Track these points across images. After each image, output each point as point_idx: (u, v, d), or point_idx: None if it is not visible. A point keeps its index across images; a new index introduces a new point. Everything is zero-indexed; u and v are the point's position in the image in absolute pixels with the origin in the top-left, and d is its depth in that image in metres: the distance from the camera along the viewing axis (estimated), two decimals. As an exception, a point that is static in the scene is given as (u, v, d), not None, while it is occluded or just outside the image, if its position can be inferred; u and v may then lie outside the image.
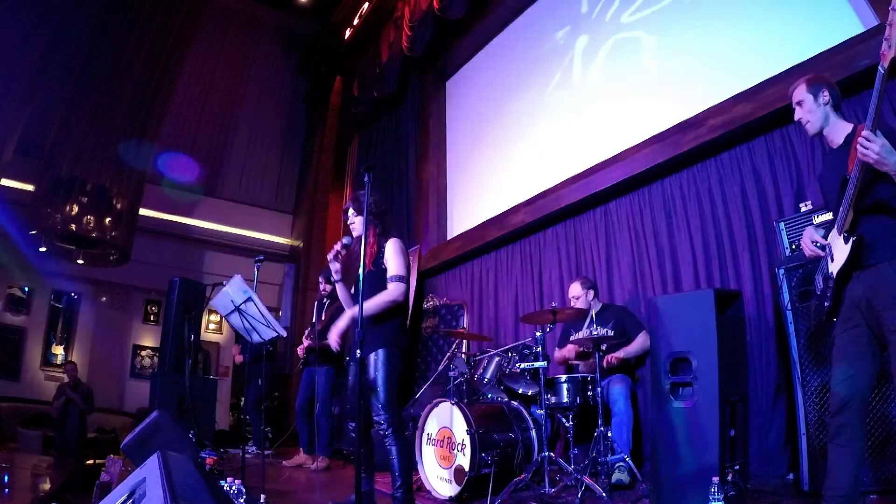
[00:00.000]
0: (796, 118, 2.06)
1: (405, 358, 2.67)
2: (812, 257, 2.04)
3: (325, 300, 4.82)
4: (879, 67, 1.66)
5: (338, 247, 2.65)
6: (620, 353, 3.39)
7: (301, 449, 4.82)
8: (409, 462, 2.49)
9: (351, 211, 2.76)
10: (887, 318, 1.75)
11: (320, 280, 4.89)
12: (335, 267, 2.67)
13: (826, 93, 1.99)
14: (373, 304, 2.51)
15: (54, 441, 6.23)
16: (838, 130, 1.99)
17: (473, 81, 6.66)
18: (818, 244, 1.98)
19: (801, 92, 2.03)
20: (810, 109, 2.00)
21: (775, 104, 3.20)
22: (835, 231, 1.90)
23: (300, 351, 4.88)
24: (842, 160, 1.90)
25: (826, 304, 1.94)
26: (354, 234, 2.73)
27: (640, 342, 3.43)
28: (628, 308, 3.74)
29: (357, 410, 2.35)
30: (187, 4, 7.86)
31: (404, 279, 2.58)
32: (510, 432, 3.17)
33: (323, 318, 4.79)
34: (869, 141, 1.67)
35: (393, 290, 2.55)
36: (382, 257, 2.62)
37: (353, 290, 2.75)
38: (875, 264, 1.81)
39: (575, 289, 3.72)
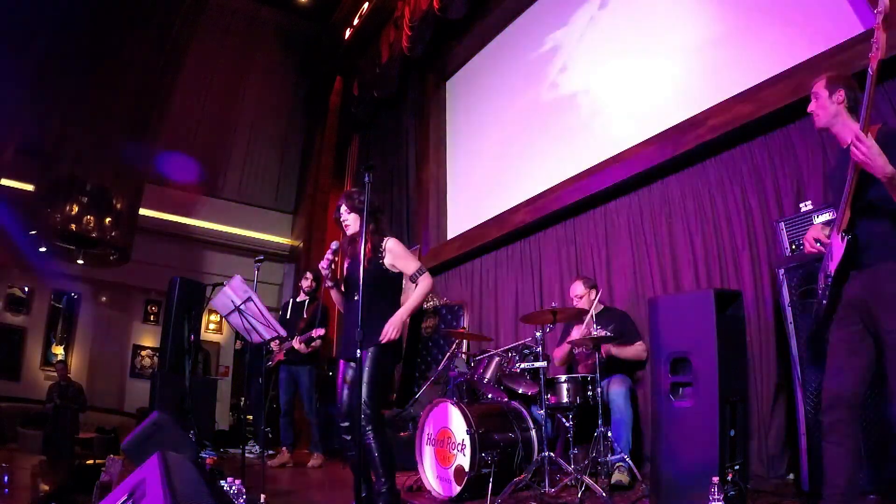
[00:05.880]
0: (808, 109, 2.07)
1: (398, 354, 2.67)
2: (812, 254, 2.05)
3: (304, 300, 4.98)
4: (868, 69, 1.69)
5: (329, 255, 2.63)
6: (613, 349, 3.39)
7: (284, 448, 4.82)
8: (392, 459, 2.46)
9: (343, 208, 2.69)
10: (884, 319, 1.75)
11: (307, 276, 5.04)
12: (327, 274, 2.66)
13: (842, 93, 1.99)
14: (414, 301, 2.58)
15: (49, 441, 6.24)
16: (847, 130, 1.98)
17: (473, 81, 6.66)
18: (819, 242, 1.99)
19: (818, 86, 2.05)
20: (822, 105, 2.02)
21: (775, 104, 3.20)
22: (834, 230, 1.91)
23: (275, 347, 4.76)
24: (847, 160, 1.91)
25: (823, 302, 1.94)
26: (347, 232, 2.69)
27: (635, 351, 3.44)
28: (629, 315, 3.73)
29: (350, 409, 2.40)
30: (187, 4, 7.85)
31: (425, 270, 2.64)
32: (510, 432, 3.17)
33: (304, 317, 4.80)
34: (859, 142, 1.69)
35: (424, 282, 2.59)
36: (380, 256, 2.60)
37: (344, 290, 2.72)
38: (871, 265, 1.81)
39: (578, 287, 3.71)
